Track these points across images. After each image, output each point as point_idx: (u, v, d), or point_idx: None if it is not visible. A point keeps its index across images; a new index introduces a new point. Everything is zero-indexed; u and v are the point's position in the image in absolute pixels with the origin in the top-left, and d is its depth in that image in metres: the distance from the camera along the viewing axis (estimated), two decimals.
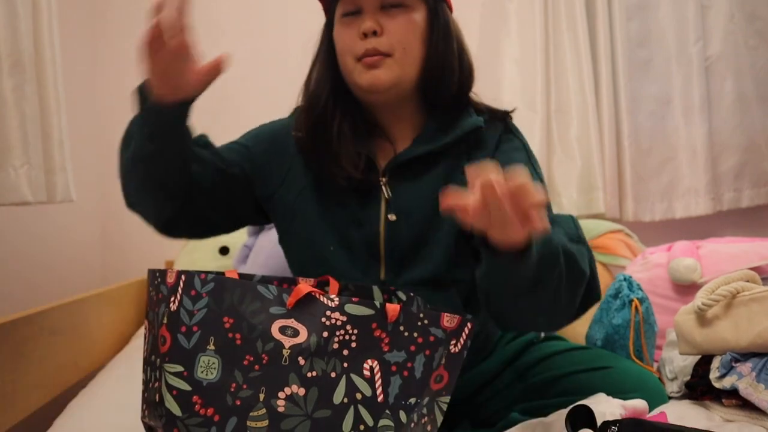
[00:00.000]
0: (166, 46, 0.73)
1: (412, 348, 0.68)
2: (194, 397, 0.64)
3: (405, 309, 0.68)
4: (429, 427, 0.72)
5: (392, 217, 0.89)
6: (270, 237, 1.46)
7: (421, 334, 0.68)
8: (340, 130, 0.90)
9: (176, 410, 0.64)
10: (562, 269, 0.74)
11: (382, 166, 0.91)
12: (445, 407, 0.73)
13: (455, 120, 0.92)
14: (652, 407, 0.87)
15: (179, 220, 0.92)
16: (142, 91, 0.83)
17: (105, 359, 1.23)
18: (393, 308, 0.67)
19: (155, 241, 1.76)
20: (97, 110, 1.73)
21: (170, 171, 0.86)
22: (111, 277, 1.72)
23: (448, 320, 0.69)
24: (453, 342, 0.70)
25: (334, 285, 0.90)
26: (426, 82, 0.91)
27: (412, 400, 0.68)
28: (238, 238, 1.56)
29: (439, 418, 0.73)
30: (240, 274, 0.86)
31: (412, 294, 0.86)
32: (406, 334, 0.68)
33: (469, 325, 0.71)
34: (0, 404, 0.86)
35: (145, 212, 0.94)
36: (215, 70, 0.84)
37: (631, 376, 0.93)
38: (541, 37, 1.70)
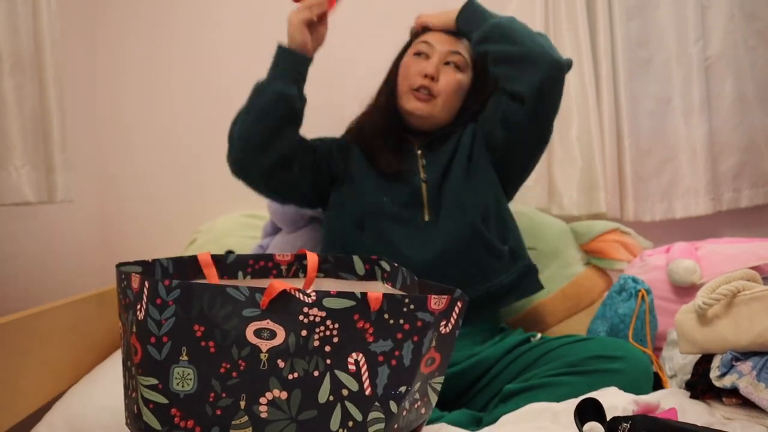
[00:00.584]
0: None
1: (399, 336, 0.65)
2: (172, 410, 0.62)
3: (388, 296, 0.65)
4: (423, 410, 0.70)
5: (424, 176, 1.23)
6: (286, 239, 1.46)
7: (408, 320, 0.65)
8: (386, 142, 1.25)
9: (155, 424, 0.62)
10: (514, 21, 1.22)
11: (417, 145, 1.26)
12: (439, 387, 0.71)
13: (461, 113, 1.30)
14: (634, 375, 0.92)
15: (289, 159, 1.20)
16: (281, 53, 1.18)
17: (105, 359, 1.23)
18: (375, 297, 0.64)
19: (155, 242, 1.77)
20: (97, 110, 1.73)
21: (298, 112, 1.19)
22: (111, 277, 1.71)
23: (436, 302, 0.66)
24: (443, 323, 0.68)
25: (312, 258, 0.87)
26: (455, 120, 1.29)
27: (402, 389, 0.66)
28: (245, 242, 1.56)
29: (434, 399, 0.71)
30: (213, 256, 0.84)
31: (396, 264, 0.86)
32: (392, 321, 0.65)
33: (459, 303, 0.68)
34: (0, 404, 0.86)
35: (267, 148, 1.16)
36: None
37: (616, 343, 1.01)
38: None
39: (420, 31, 1.31)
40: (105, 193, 1.74)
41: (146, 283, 0.64)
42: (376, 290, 0.87)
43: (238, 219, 1.64)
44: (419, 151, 1.26)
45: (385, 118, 1.28)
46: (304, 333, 0.63)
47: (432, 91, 1.22)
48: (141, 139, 1.76)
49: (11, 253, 1.30)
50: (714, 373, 0.85)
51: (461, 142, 1.26)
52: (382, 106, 1.29)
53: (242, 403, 0.62)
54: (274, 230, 1.51)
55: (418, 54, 1.25)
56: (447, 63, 1.24)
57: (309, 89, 1.22)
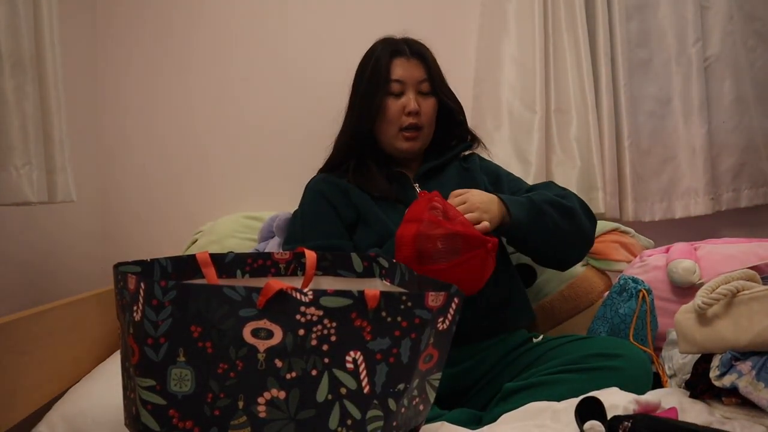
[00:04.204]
0: None
1: (397, 333, 0.65)
2: (170, 411, 0.62)
3: (386, 294, 0.64)
4: (422, 407, 0.70)
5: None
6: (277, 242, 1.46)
7: (406, 317, 0.65)
8: (370, 167, 1.26)
9: (153, 425, 0.62)
10: (552, 213, 1.11)
11: (412, 178, 1.29)
12: (437, 383, 0.71)
13: (449, 146, 1.34)
14: (634, 373, 0.93)
15: None
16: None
17: (105, 359, 1.23)
18: (372, 295, 0.63)
19: (156, 242, 1.77)
20: (97, 110, 1.73)
21: None
22: (111, 277, 1.71)
23: (433, 299, 0.66)
24: (440, 320, 0.67)
25: (310, 256, 0.87)
26: (433, 141, 1.32)
27: (401, 386, 0.65)
28: (246, 244, 1.56)
29: (432, 396, 0.71)
30: (211, 255, 0.84)
31: (394, 260, 0.86)
32: (389, 319, 0.64)
33: (456, 300, 0.68)
34: (0, 404, 0.86)
35: None
36: None
37: (616, 341, 1.03)
38: (541, 37, 1.70)
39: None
40: (105, 194, 1.74)
41: (142, 284, 0.64)
42: (375, 287, 0.87)
43: (239, 220, 1.64)
44: (416, 184, 1.28)
45: (363, 149, 1.28)
46: (301, 332, 0.63)
47: (418, 125, 1.25)
48: (141, 139, 1.76)
49: (11, 253, 1.30)
50: (713, 373, 0.85)
51: (461, 176, 1.29)
52: (358, 142, 1.28)
53: (240, 404, 0.62)
54: (269, 234, 1.52)
55: (393, 94, 1.25)
56: (419, 92, 1.26)
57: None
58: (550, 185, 1.26)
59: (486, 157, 1.42)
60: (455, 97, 1.33)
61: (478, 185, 1.26)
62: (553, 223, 1.11)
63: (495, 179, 1.32)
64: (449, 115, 1.32)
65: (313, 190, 1.28)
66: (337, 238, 1.20)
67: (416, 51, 1.27)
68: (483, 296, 1.12)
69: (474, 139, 1.36)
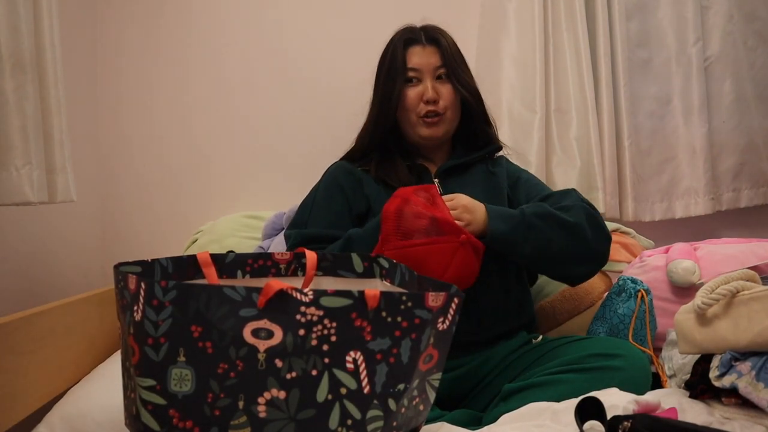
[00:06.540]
0: None
1: (397, 333, 0.65)
2: (170, 411, 0.62)
3: (386, 294, 0.64)
4: (422, 407, 0.70)
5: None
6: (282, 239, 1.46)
7: (406, 317, 0.65)
8: (396, 159, 1.25)
9: (154, 425, 0.62)
10: (543, 228, 1.07)
11: (434, 172, 1.26)
12: (437, 384, 0.71)
13: (477, 145, 1.30)
14: (633, 373, 0.94)
15: None
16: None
17: (105, 359, 1.23)
18: (372, 295, 0.64)
19: (156, 242, 1.77)
20: (97, 110, 1.73)
21: None
22: (111, 277, 1.71)
23: (433, 299, 0.66)
24: (440, 320, 0.67)
25: (311, 256, 0.87)
26: (458, 130, 1.29)
27: (401, 386, 0.66)
28: (246, 243, 1.55)
29: (432, 396, 0.71)
30: (212, 255, 0.84)
31: (395, 261, 0.86)
32: (389, 319, 0.65)
33: (456, 300, 0.68)
34: (0, 404, 0.86)
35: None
36: None
37: (615, 341, 1.03)
38: (541, 37, 1.70)
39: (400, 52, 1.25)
40: (105, 193, 1.74)
41: (143, 284, 0.64)
42: (375, 288, 0.87)
43: (239, 219, 1.65)
44: (436, 179, 1.26)
45: (387, 141, 1.26)
46: (301, 332, 0.63)
47: (438, 111, 1.22)
48: (141, 139, 1.76)
49: (11, 253, 1.30)
50: (713, 373, 0.85)
51: (485, 179, 1.26)
52: (380, 133, 1.26)
53: (240, 404, 0.62)
54: (274, 231, 1.52)
55: (410, 81, 1.24)
56: (437, 77, 1.24)
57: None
58: (568, 194, 1.19)
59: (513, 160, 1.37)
60: (472, 85, 1.26)
61: (501, 190, 1.25)
62: (545, 238, 1.07)
63: (514, 183, 1.28)
64: (473, 106, 1.27)
65: (331, 177, 1.26)
66: (340, 230, 1.18)
67: (431, 37, 1.25)
68: (490, 308, 1.12)
69: (498, 143, 1.32)
